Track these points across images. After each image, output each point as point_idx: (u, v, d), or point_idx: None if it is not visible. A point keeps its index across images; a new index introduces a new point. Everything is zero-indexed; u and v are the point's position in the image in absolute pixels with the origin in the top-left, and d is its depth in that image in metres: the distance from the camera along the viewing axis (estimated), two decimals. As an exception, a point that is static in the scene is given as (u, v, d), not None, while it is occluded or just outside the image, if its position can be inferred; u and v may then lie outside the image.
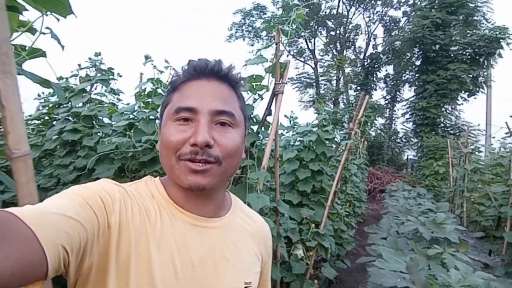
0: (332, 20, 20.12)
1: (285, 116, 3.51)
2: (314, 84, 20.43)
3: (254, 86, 1.78)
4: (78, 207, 0.49)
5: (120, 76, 2.79)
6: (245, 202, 1.78)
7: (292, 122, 3.40)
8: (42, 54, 1.03)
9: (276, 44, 1.67)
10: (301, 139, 3.21)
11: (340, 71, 18.90)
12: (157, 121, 2.06)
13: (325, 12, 19.83)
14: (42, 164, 2.39)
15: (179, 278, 0.55)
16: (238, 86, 0.64)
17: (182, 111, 0.58)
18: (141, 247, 0.53)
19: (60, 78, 2.83)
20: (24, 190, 0.62)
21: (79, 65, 2.73)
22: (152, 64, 2.09)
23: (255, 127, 1.83)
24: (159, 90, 2.14)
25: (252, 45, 20.89)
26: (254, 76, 1.78)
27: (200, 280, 0.57)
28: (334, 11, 19.82)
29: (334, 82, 19.91)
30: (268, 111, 1.80)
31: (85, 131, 2.35)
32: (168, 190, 0.61)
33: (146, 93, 2.22)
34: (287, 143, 3.28)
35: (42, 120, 2.72)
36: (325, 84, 20.37)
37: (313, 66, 20.79)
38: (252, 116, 1.85)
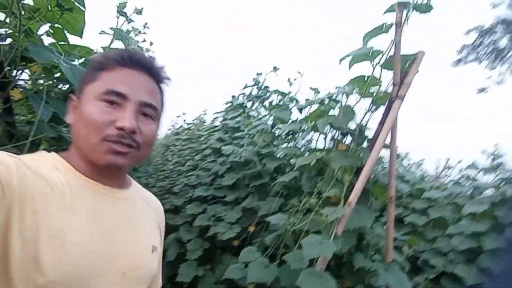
0: None
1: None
2: None
3: (364, 92, 1.29)
4: None
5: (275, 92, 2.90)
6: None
7: (490, 157, 2.29)
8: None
9: (396, 25, 1.12)
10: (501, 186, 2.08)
11: None
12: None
13: None
14: (197, 164, 2.83)
15: (93, 242, 0.56)
16: (164, 83, 0.69)
17: (112, 94, 0.60)
18: (51, 216, 0.52)
19: (233, 97, 3.32)
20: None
21: (246, 84, 3.11)
22: (276, 73, 2.03)
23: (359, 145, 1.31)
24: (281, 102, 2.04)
25: (493, 68, 16.46)
26: (365, 79, 1.29)
27: (113, 244, 0.60)
28: None
29: None
30: (382, 126, 1.25)
31: (228, 140, 2.58)
32: (72, 163, 0.61)
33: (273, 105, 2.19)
34: (475, 188, 2.22)
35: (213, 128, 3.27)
36: None
37: None
38: (361, 129, 1.33)
